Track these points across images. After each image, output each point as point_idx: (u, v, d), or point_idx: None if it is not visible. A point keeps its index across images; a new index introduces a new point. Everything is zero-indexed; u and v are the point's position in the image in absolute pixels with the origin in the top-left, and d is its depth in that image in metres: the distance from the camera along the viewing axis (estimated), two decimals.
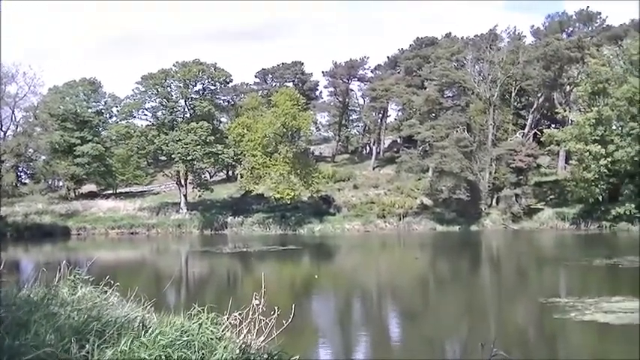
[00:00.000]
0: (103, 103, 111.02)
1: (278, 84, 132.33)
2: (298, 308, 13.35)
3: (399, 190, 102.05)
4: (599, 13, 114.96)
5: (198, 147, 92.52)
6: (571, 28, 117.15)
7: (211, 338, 10.88)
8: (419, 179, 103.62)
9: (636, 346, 23.59)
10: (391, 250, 75.25)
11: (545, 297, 32.54)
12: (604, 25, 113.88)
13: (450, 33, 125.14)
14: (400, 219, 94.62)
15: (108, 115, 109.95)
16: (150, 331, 10.80)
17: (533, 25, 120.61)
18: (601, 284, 39.60)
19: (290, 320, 12.51)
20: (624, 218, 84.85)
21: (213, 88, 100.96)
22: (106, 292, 13.86)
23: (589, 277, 43.81)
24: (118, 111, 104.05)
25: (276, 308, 12.24)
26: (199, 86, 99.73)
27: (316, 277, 46.86)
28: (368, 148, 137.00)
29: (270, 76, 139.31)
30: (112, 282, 14.30)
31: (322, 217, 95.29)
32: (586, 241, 75.14)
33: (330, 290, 42.56)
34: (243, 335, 11.70)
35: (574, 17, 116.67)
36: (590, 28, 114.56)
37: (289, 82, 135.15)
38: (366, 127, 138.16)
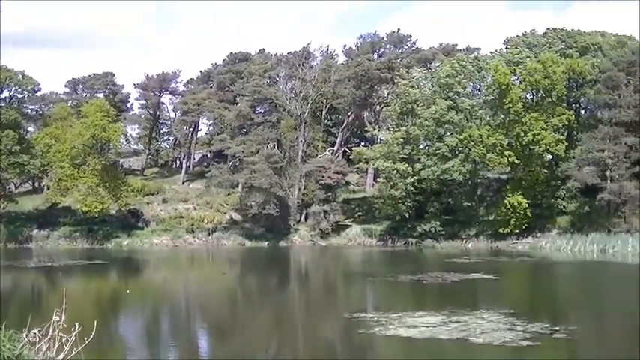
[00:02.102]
0: None
1: (88, 94, 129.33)
2: (106, 324, 13.14)
3: (208, 205, 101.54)
4: (410, 36, 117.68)
5: (3, 157, 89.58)
6: (382, 49, 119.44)
7: (8, 356, 10.51)
8: (228, 194, 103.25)
9: (436, 358, 24.44)
10: (200, 265, 75.09)
11: (351, 312, 33.11)
12: (414, 48, 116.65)
13: (263, 49, 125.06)
14: (209, 234, 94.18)
15: None
16: None
17: (345, 45, 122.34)
18: (405, 299, 40.59)
19: (92, 336, 12.23)
20: (430, 235, 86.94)
21: (20, 96, 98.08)
22: None
23: (394, 292, 44.84)
24: None
25: (77, 324, 11.93)
26: (6, 93, 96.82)
27: (128, 291, 46.28)
28: (178, 162, 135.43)
29: (81, 86, 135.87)
30: None
31: (130, 231, 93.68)
32: (392, 257, 76.76)
33: (137, 305, 42.06)
34: (42, 353, 11.36)
35: (385, 39, 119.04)
36: (400, 50, 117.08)
37: (100, 92, 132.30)
38: (177, 141, 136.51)
